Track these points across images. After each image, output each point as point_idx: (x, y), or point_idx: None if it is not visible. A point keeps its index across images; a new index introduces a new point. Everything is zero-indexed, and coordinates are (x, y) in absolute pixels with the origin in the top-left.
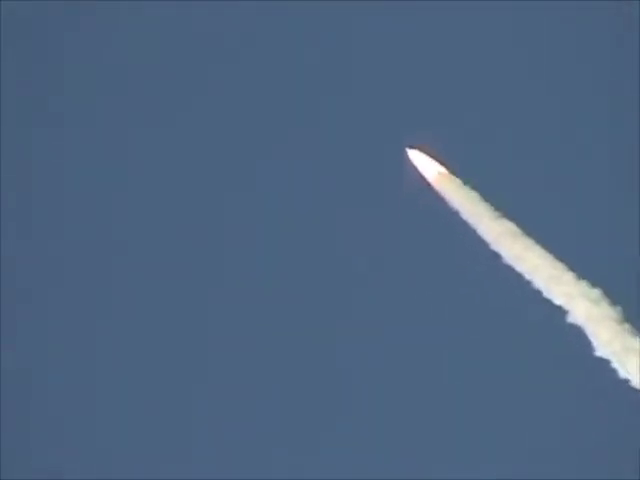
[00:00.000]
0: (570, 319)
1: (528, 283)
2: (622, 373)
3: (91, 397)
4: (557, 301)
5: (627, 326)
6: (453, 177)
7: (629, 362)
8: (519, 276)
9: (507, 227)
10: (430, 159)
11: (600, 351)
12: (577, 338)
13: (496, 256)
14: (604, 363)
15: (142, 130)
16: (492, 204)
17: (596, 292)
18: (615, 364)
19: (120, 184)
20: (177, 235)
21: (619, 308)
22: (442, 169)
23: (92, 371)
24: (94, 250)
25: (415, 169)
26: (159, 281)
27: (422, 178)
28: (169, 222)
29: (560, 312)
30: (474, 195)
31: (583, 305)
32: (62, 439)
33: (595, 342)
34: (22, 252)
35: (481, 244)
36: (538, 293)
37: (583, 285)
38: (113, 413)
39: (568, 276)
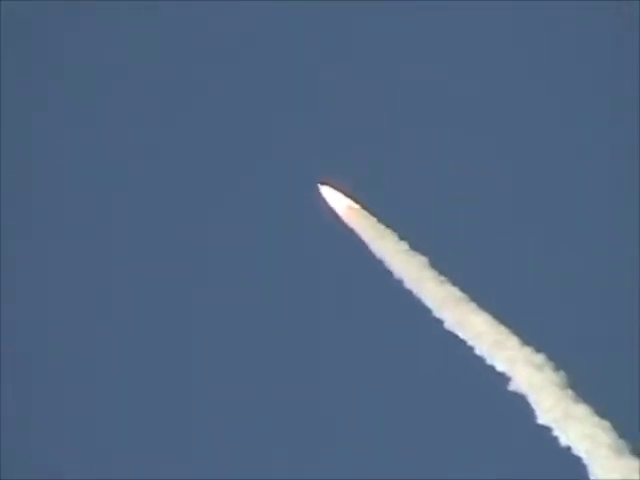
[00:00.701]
0: (512, 386)
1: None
2: (564, 440)
3: (91, 397)
4: (500, 367)
5: (570, 392)
6: (365, 212)
7: (570, 429)
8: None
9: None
10: (342, 195)
11: (542, 418)
12: (519, 405)
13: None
14: (546, 430)
15: (142, 130)
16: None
17: (540, 357)
18: (557, 431)
19: (119, 183)
20: (176, 234)
21: (562, 373)
22: (354, 204)
23: (92, 371)
24: (94, 250)
25: (327, 204)
26: (158, 281)
27: (334, 213)
28: (168, 221)
29: (503, 379)
30: (387, 231)
31: (526, 371)
32: (62, 439)
33: (537, 409)
34: (22, 252)
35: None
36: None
37: (527, 350)
38: (113, 413)
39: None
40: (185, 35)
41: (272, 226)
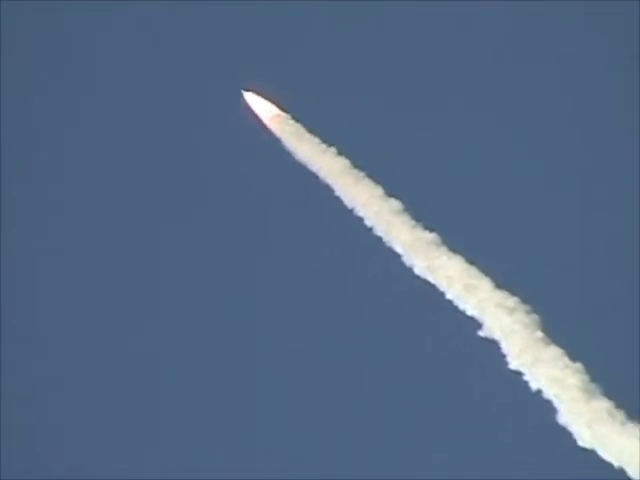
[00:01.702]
0: (484, 331)
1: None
2: (534, 385)
3: (92, 396)
4: (470, 312)
5: (541, 335)
6: (289, 119)
7: (539, 373)
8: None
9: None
10: (266, 101)
11: (513, 363)
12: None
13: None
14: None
15: (142, 129)
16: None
17: (513, 300)
18: (527, 376)
19: (119, 183)
20: (175, 234)
21: (536, 316)
22: (278, 111)
23: (93, 371)
24: (93, 250)
25: (251, 111)
26: (158, 280)
27: (257, 119)
28: (167, 220)
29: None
30: (315, 139)
31: (497, 315)
32: (62, 438)
33: (508, 354)
34: (22, 252)
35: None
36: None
37: (499, 294)
38: (113, 413)
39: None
40: (184, 35)
41: (196, 134)
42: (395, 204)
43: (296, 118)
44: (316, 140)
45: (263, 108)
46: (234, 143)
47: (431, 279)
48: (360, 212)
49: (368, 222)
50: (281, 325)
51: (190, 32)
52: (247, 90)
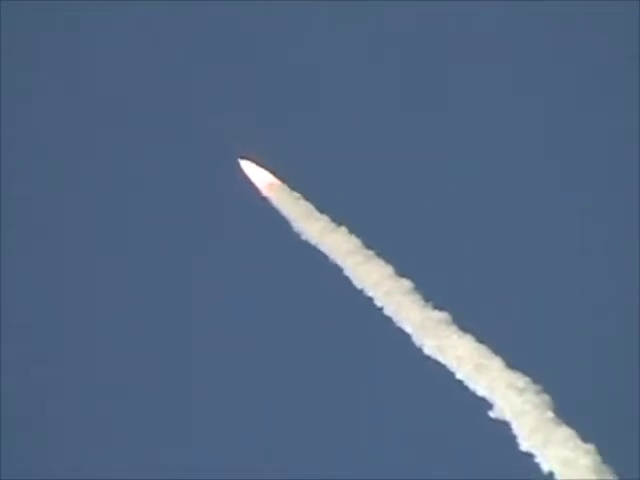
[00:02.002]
0: (494, 412)
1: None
2: (545, 467)
3: (92, 396)
4: (481, 392)
5: (552, 415)
6: (284, 187)
7: (551, 455)
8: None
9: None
10: (262, 169)
11: (524, 444)
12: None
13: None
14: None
15: (142, 129)
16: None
17: (524, 380)
18: (539, 458)
19: (118, 184)
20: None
21: (546, 397)
22: (274, 179)
23: (92, 370)
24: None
25: (247, 179)
26: (158, 281)
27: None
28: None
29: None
30: (307, 206)
31: (508, 396)
32: (62, 438)
33: (519, 435)
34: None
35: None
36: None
37: (510, 374)
38: (112, 413)
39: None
40: (184, 35)
41: (194, 202)
42: (406, 284)
43: (295, 188)
44: (315, 213)
45: (260, 176)
46: (231, 214)
47: (441, 359)
48: (370, 292)
49: (378, 302)
50: (293, 405)
51: (188, 97)
52: (243, 158)
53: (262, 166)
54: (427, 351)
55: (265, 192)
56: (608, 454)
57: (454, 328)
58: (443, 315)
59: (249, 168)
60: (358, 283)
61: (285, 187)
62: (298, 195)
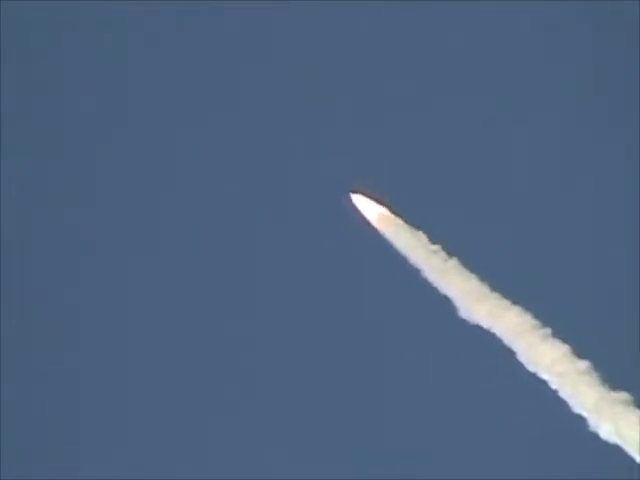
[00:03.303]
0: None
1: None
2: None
3: (92, 396)
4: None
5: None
6: (397, 219)
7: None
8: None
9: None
10: (374, 202)
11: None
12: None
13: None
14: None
15: (141, 129)
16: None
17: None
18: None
19: (119, 184)
20: (202, 244)
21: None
22: (386, 211)
23: (93, 371)
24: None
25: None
26: (158, 281)
27: (365, 221)
28: (197, 230)
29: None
30: (421, 237)
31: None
32: (62, 438)
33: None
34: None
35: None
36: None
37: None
38: (112, 413)
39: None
40: (183, 35)
41: (303, 235)
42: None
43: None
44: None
45: (372, 210)
46: (343, 243)
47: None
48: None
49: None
50: None
51: (297, 136)
52: (355, 192)
53: (373, 198)
54: (603, 435)
55: (377, 224)
56: None
57: (631, 408)
58: (622, 395)
59: (360, 201)
60: (485, 325)
61: (398, 220)
62: (412, 226)
